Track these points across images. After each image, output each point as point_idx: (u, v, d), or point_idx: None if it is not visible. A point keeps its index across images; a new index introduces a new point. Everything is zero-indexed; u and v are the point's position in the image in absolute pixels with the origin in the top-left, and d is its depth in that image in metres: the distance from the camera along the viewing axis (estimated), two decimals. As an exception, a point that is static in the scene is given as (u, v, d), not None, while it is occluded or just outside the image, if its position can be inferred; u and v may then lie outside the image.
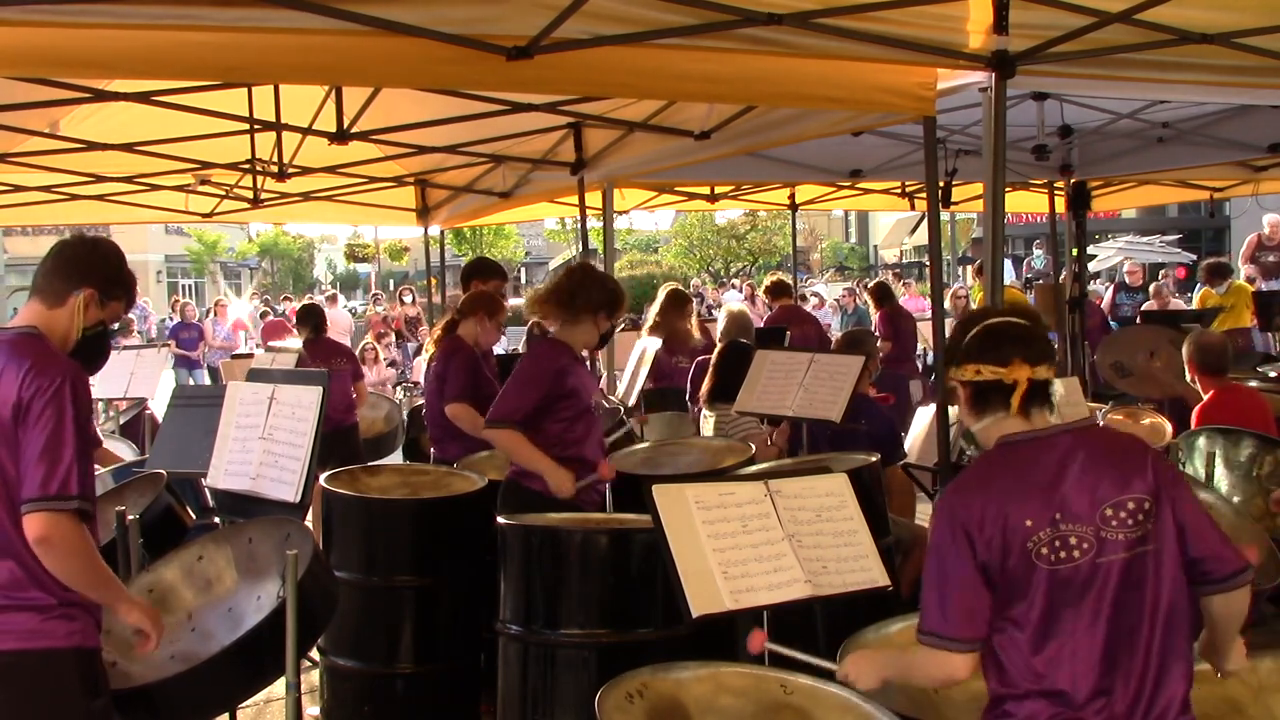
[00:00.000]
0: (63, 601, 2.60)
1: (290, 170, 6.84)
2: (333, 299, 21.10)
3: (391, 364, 15.46)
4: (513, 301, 13.67)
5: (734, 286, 26.57)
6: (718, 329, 7.48)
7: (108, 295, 2.80)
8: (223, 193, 7.91)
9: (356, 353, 10.45)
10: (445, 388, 5.36)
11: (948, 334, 2.56)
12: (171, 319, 20.10)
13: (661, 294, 7.45)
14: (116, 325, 3.06)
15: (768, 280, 10.51)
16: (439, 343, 5.62)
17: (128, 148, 6.42)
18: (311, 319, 8.03)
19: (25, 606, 2.58)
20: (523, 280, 42.51)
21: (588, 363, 5.09)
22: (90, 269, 2.78)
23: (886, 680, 2.51)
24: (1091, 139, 7.79)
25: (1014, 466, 2.35)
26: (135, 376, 8.01)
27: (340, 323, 16.40)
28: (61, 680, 2.61)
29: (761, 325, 9.19)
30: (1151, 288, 12.41)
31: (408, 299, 18.87)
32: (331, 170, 7.57)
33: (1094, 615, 2.26)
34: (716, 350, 6.40)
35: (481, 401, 5.40)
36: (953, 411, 4.41)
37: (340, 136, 5.65)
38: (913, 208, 10.03)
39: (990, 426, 2.41)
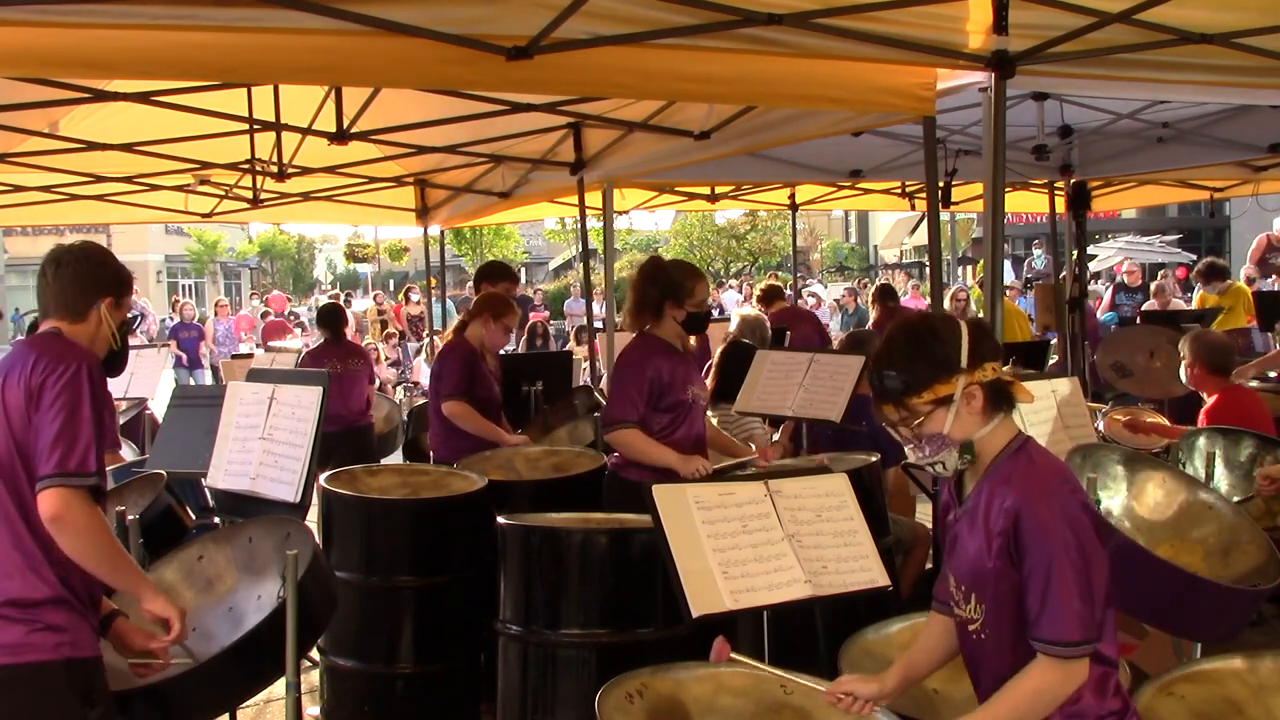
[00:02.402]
0: (53, 602, 2.59)
1: (290, 170, 6.83)
2: (335, 299, 21.08)
3: (394, 364, 15.47)
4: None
5: (733, 287, 26.57)
6: (724, 331, 7.45)
7: (120, 297, 2.92)
8: (222, 193, 7.90)
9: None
10: (440, 385, 5.42)
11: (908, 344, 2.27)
12: (171, 319, 20.12)
13: None
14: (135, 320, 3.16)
15: (758, 288, 10.38)
16: (445, 341, 5.69)
17: (128, 148, 6.41)
18: (331, 321, 8.00)
19: (12, 620, 2.57)
20: (522, 280, 42.46)
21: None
22: (99, 278, 2.87)
23: None
24: (1091, 139, 7.77)
25: (1052, 460, 2.27)
26: (135, 376, 7.99)
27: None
28: (53, 692, 2.60)
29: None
30: (1153, 285, 12.37)
31: (415, 297, 18.87)
32: (331, 170, 7.57)
33: None
34: (719, 350, 6.39)
35: (477, 401, 5.43)
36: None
37: (340, 136, 5.64)
38: (913, 208, 10.01)
39: (997, 429, 2.26)
